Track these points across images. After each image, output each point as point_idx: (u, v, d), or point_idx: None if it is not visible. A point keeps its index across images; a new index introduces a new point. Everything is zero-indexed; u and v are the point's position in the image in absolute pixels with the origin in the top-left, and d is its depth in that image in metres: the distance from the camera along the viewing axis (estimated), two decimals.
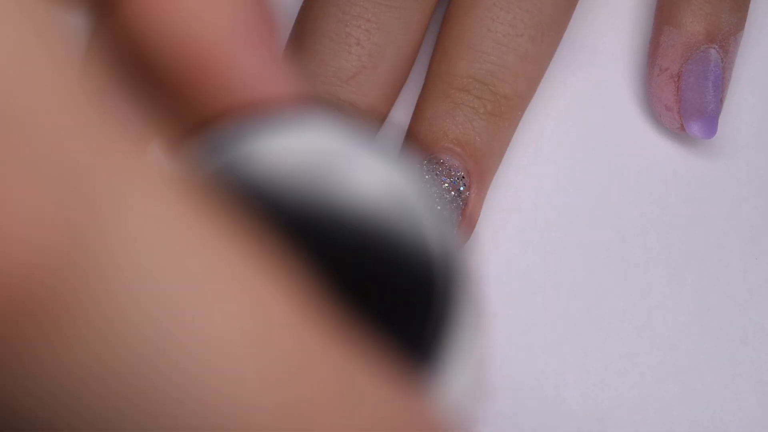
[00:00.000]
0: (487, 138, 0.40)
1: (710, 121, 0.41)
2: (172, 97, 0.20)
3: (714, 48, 0.42)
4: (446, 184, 0.38)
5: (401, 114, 0.42)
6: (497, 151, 0.40)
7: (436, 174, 0.39)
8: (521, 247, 0.42)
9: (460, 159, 0.39)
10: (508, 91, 0.40)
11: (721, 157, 0.43)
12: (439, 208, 0.20)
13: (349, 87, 0.40)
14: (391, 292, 0.20)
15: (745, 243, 0.42)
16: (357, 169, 0.20)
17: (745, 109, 0.43)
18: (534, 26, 0.40)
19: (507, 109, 0.40)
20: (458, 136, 0.39)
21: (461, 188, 0.39)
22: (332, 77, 0.40)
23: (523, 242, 0.42)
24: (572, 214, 0.42)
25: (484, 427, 0.41)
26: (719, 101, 0.42)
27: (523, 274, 0.41)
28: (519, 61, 0.40)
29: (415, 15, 0.41)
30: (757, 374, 0.41)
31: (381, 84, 0.40)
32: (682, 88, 0.42)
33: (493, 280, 0.42)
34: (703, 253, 0.42)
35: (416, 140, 0.39)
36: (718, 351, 0.41)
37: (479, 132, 0.40)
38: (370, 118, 0.40)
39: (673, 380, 0.41)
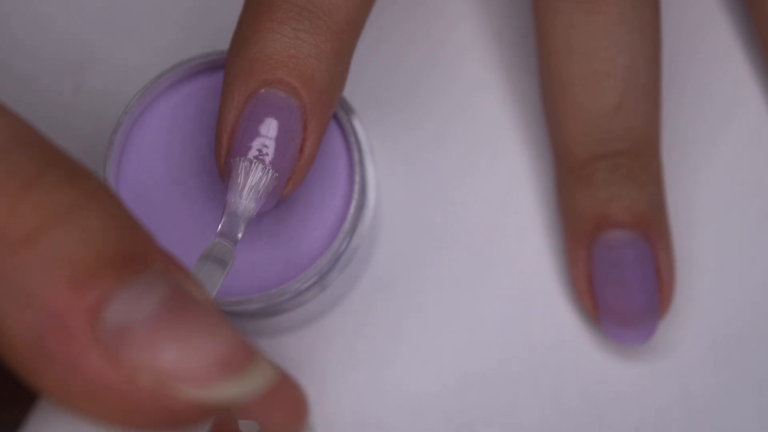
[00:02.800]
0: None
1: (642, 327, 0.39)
2: None
3: (628, 234, 0.39)
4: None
5: None
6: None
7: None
8: (521, 246, 0.42)
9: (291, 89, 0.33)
10: None
11: (721, 157, 0.43)
12: None
13: None
14: None
15: (743, 244, 0.42)
16: None
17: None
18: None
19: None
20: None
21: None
22: None
23: (522, 242, 0.42)
24: None
25: (485, 426, 0.41)
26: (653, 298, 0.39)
27: (523, 274, 0.41)
28: None
29: None
30: (755, 374, 0.41)
31: None
32: (596, 289, 0.39)
33: (494, 279, 0.42)
34: (701, 254, 0.42)
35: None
36: (716, 351, 0.41)
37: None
38: None
39: (672, 380, 0.41)
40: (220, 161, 0.32)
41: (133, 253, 0.22)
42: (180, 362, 0.22)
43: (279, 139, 0.32)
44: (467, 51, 0.43)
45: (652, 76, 0.39)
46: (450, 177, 0.42)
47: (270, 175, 0.32)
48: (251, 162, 0.32)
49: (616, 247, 0.38)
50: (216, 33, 0.43)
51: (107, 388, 0.22)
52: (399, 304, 0.41)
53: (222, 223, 0.32)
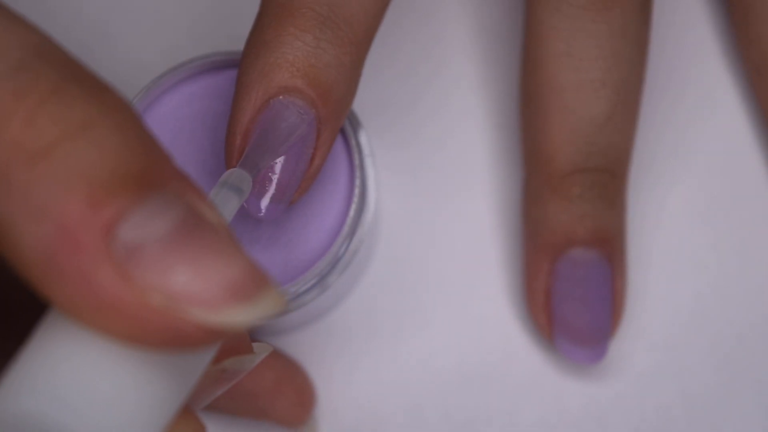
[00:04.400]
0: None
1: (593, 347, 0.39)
2: None
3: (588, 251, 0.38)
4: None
5: None
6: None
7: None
8: (521, 247, 0.42)
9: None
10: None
11: (720, 158, 0.43)
12: None
13: None
14: None
15: (743, 243, 0.42)
16: None
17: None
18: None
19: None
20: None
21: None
22: None
23: (522, 243, 0.42)
24: None
25: (485, 426, 0.41)
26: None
27: (523, 274, 0.41)
28: None
29: None
30: (754, 374, 0.41)
31: None
32: (553, 306, 0.39)
33: (493, 280, 0.42)
34: (701, 254, 0.42)
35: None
36: (715, 351, 0.41)
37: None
38: None
39: (671, 380, 0.41)
40: (232, 163, 0.32)
41: (150, 172, 0.22)
42: (190, 284, 0.22)
43: (293, 148, 0.32)
44: (469, 56, 0.43)
45: (638, 95, 0.39)
46: (450, 180, 0.42)
47: (302, 121, 0.32)
48: (290, 104, 0.32)
49: (582, 265, 0.38)
50: (217, 34, 0.43)
51: (117, 304, 0.22)
52: (399, 304, 0.41)
53: (246, 152, 0.32)
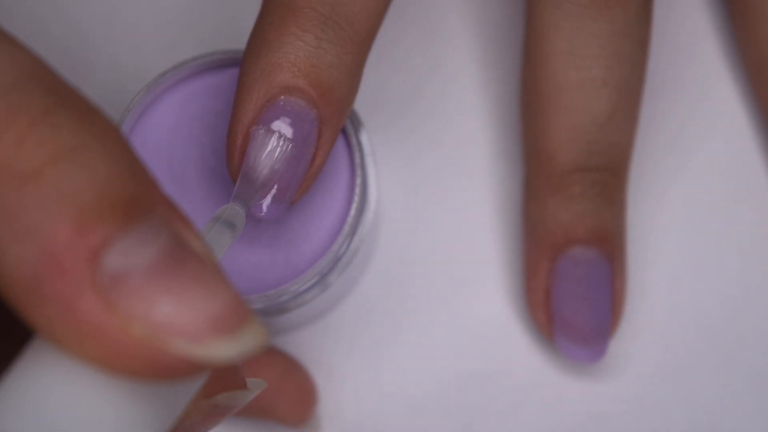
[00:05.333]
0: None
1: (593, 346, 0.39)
2: None
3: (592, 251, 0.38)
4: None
5: None
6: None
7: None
8: (521, 247, 0.42)
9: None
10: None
11: (720, 157, 0.43)
12: None
13: None
14: None
15: (742, 243, 0.42)
16: None
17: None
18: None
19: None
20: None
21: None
22: None
23: (522, 243, 0.42)
24: None
25: (484, 426, 0.41)
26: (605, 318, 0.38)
27: (523, 274, 0.41)
28: None
29: None
30: (754, 374, 0.41)
31: None
32: (553, 305, 0.39)
33: (494, 279, 0.42)
34: (701, 254, 0.42)
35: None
36: (714, 351, 0.41)
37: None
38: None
39: (671, 380, 0.41)
40: (234, 162, 0.32)
41: (137, 199, 0.22)
42: (173, 316, 0.22)
43: (295, 148, 0.32)
44: (470, 54, 0.43)
45: (639, 94, 0.39)
46: (450, 179, 0.42)
47: (287, 146, 0.32)
48: (269, 131, 0.32)
49: (582, 263, 0.38)
50: (218, 33, 0.43)
51: (100, 332, 0.22)
52: (399, 304, 0.41)
53: (236, 187, 0.32)
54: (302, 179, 0.33)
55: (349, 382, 0.41)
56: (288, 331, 0.41)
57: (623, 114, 0.38)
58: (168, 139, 0.36)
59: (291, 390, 0.39)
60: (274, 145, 0.32)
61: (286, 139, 0.32)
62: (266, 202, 0.33)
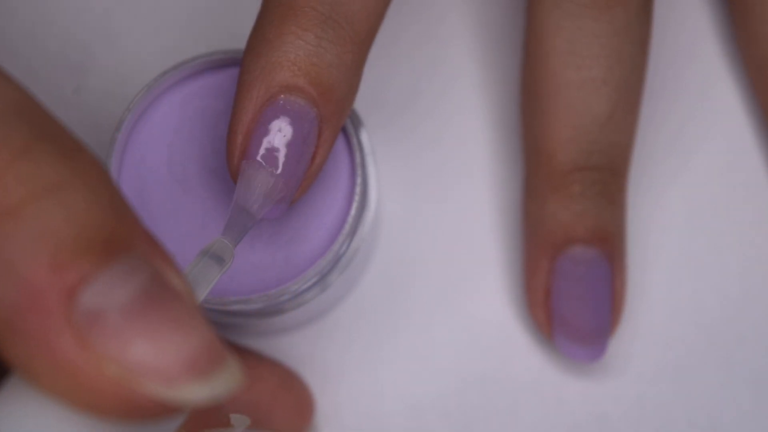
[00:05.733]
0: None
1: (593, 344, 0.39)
2: None
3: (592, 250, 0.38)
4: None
5: None
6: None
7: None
8: (521, 246, 0.42)
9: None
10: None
11: (720, 157, 0.43)
12: None
13: None
14: None
15: (742, 243, 0.42)
16: None
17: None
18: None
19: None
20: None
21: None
22: None
23: (523, 242, 0.42)
24: None
25: (484, 426, 0.41)
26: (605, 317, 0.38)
27: (523, 274, 0.41)
28: None
29: None
30: (754, 374, 0.41)
31: None
32: (553, 305, 0.39)
33: (494, 279, 0.42)
34: (701, 254, 0.42)
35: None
36: (714, 351, 0.41)
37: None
38: None
39: (671, 380, 0.41)
40: (233, 161, 0.32)
41: (116, 236, 0.22)
42: (147, 357, 0.22)
43: (294, 147, 0.32)
44: (469, 54, 0.43)
45: (640, 94, 0.39)
46: (451, 178, 0.42)
47: (277, 181, 0.32)
48: (260, 166, 0.32)
49: (582, 262, 0.38)
50: (218, 33, 0.43)
51: (74, 370, 0.22)
52: (399, 304, 0.41)
53: (227, 221, 0.32)
54: (302, 178, 0.33)
55: (348, 382, 0.41)
56: (288, 330, 0.41)
57: (623, 114, 0.38)
58: (168, 139, 0.36)
59: (288, 401, 0.39)
60: (265, 181, 0.32)
61: (275, 172, 0.32)
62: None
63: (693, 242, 0.42)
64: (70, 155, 0.23)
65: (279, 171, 0.32)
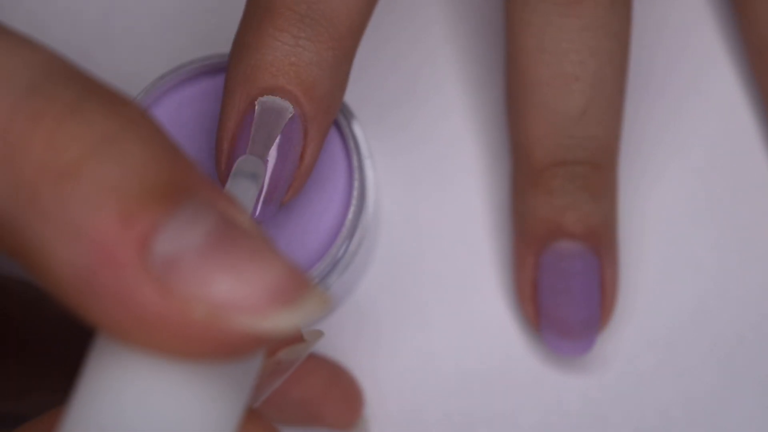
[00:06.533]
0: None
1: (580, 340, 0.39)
2: None
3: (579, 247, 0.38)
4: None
5: None
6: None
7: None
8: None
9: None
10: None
11: (720, 151, 0.43)
12: None
13: None
14: None
15: (743, 243, 0.42)
16: None
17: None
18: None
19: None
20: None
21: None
22: None
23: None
24: None
25: (485, 426, 0.41)
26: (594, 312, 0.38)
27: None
28: None
29: None
30: (754, 374, 0.41)
31: None
32: (540, 298, 0.39)
33: (494, 279, 0.42)
34: (701, 254, 0.42)
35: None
36: (715, 351, 0.41)
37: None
38: None
39: (671, 380, 0.41)
40: (221, 167, 0.32)
41: (177, 182, 0.22)
42: (233, 292, 0.21)
43: (280, 147, 0.32)
44: (461, 51, 0.43)
45: (618, 86, 0.39)
46: (449, 177, 0.42)
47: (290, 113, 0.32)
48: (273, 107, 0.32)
49: (565, 257, 0.38)
50: (216, 36, 0.43)
51: (160, 320, 0.21)
52: (399, 304, 0.41)
53: (252, 136, 0.32)
54: (291, 179, 0.33)
55: None
56: None
57: (600, 107, 0.38)
58: None
59: (337, 395, 0.39)
60: (279, 106, 0.32)
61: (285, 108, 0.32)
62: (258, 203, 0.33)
63: (694, 239, 0.42)
64: (117, 108, 0.22)
65: (267, 174, 0.32)
